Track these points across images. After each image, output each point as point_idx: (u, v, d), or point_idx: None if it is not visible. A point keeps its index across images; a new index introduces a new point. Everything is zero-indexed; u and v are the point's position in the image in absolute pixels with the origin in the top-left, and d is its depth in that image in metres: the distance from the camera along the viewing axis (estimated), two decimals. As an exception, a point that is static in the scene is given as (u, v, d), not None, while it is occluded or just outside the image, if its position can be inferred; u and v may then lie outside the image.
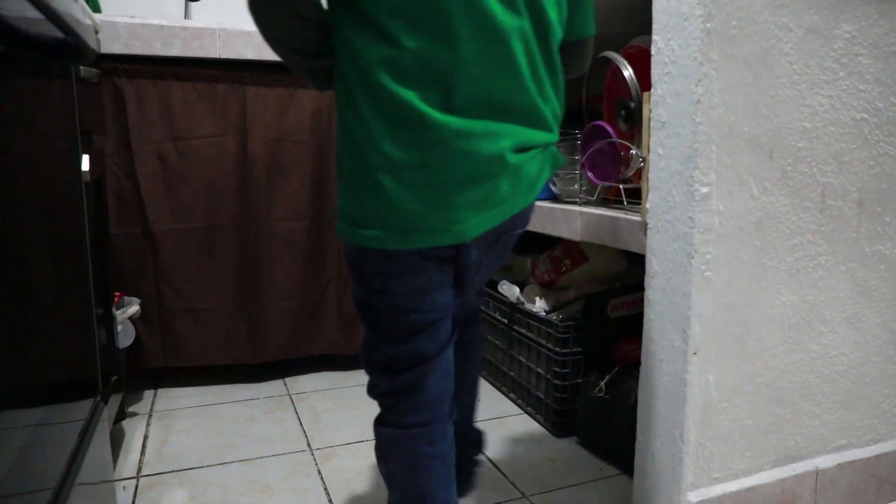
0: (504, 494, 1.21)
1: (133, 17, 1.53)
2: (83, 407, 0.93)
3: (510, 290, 1.58)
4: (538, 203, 1.39)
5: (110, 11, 1.59)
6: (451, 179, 0.75)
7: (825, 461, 1.07)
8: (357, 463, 1.33)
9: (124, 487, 1.23)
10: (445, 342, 0.86)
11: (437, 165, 0.74)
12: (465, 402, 1.04)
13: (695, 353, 0.93)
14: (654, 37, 0.96)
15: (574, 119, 1.48)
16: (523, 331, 1.54)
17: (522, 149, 0.78)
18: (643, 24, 1.30)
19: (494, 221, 0.78)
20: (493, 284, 1.67)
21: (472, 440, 1.09)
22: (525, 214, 0.88)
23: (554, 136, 0.83)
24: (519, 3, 0.75)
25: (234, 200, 1.67)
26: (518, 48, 0.75)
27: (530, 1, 0.76)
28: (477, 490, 1.11)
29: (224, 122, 1.64)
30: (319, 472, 1.29)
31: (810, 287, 1.02)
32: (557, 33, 0.81)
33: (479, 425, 1.12)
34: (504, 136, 0.76)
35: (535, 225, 1.40)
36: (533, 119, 0.79)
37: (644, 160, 1.02)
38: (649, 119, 0.99)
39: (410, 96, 0.73)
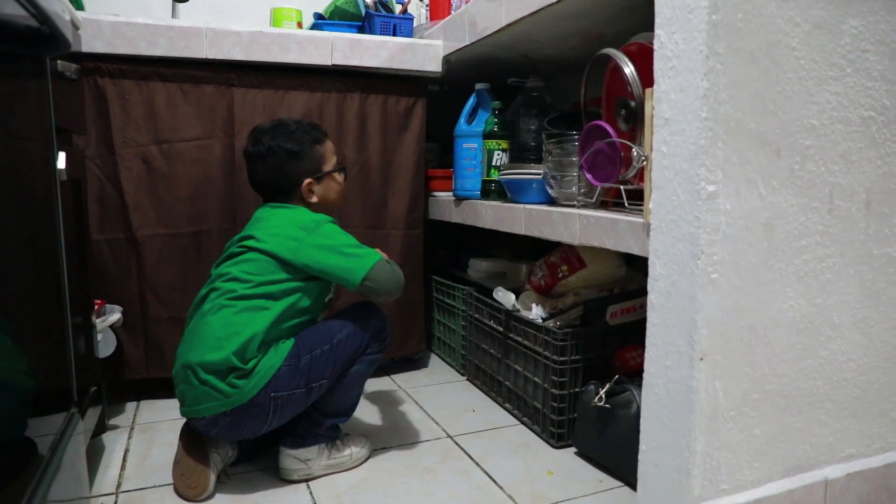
0: (501, 508, 1.16)
1: (118, 15, 1.48)
2: (56, 419, 0.88)
3: (505, 297, 1.54)
4: (534, 206, 1.37)
5: (94, 10, 1.55)
6: None
7: (834, 471, 1.03)
8: (348, 477, 1.28)
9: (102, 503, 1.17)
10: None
11: None
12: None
13: (701, 359, 0.89)
14: (658, 31, 0.92)
15: (572, 121, 1.45)
16: (519, 339, 1.50)
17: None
18: (642, 22, 1.27)
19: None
20: (488, 292, 1.63)
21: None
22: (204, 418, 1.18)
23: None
24: None
25: (221, 205, 1.62)
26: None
27: None
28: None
29: (211, 125, 1.59)
30: (309, 487, 1.24)
31: (818, 290, 0.98)
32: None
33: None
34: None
35: (531, 229, 1.36)
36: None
37: (646, 159, 0.98)
38: (652, 116, 0.95)
39: None
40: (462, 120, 1.72)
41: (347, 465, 1.30)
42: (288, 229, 1.23)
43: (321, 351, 1.21)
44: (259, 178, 1.32)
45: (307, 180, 1.30)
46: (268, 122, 1.34)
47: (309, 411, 1.26)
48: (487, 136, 1.62)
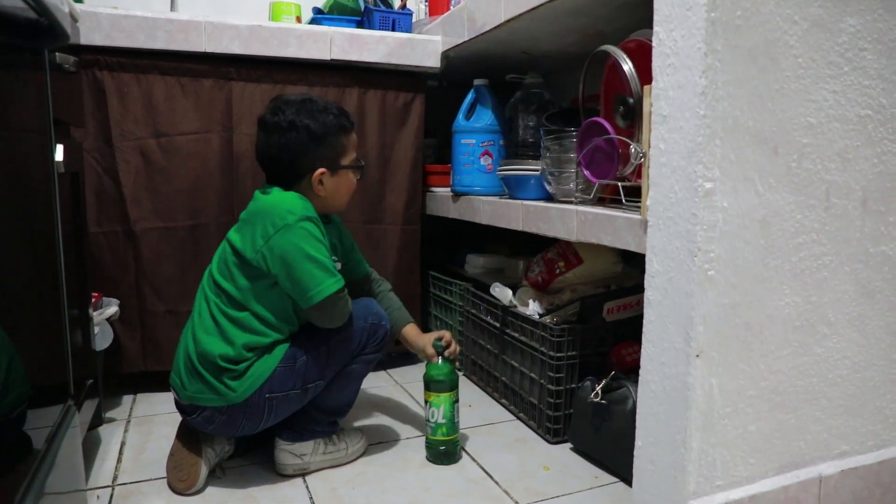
0: (497, 503, 1.16)
1: (116, 7, 1.48)
2: (53, 412, 0.88)
3: (502, 293, 1.54)
4: (532, 203, 1.37)
5: (93, 2, 1.54)
6: None
7: (829, 468, 1.04)
8: (344, 472, 1.28)
9: (98, 497, 1.17)
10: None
11: None
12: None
13: (697, 356, 0.90)
14: (656, 28, 0.92)
15: (570, 117, 1.46)
16: (516, 334, 1.50)
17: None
18: (641, 19, 1.27)
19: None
20: (485, 287, 1.63)
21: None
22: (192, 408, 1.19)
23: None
24: None
25: (218, 199, 1.62)
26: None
27: None
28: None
29: (209, 119, 1.59)
30: (305, 481, 1.24)
31: (814, 288, 0.98)
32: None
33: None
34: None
35: (528, 225, 1.37)
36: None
37: (644, 156, 0.99)
38: (650, 113, 0.95)
39: None
40: (460, 115, 1.72)
41: (343, 459, 1.31)
42: (259, 227, 1.14)
43: (317, 353, 1.20)
44: (269, 153, 1.20)
45: (321, 169, 1.20)
46: (295, 95, 1.24)
47: (306, 408, 1.26)
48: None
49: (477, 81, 1.73)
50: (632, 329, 1.37)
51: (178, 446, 1.22)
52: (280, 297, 1.17)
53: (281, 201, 1.16)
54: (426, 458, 1.33)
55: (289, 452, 1.25)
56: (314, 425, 1.27)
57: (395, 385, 1.77)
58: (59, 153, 0.96)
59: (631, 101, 1.12)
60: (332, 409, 1.29)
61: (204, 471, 1.20)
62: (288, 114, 1.19)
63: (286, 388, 1.18)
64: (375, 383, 1.77)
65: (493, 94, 1.71)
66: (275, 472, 1.27)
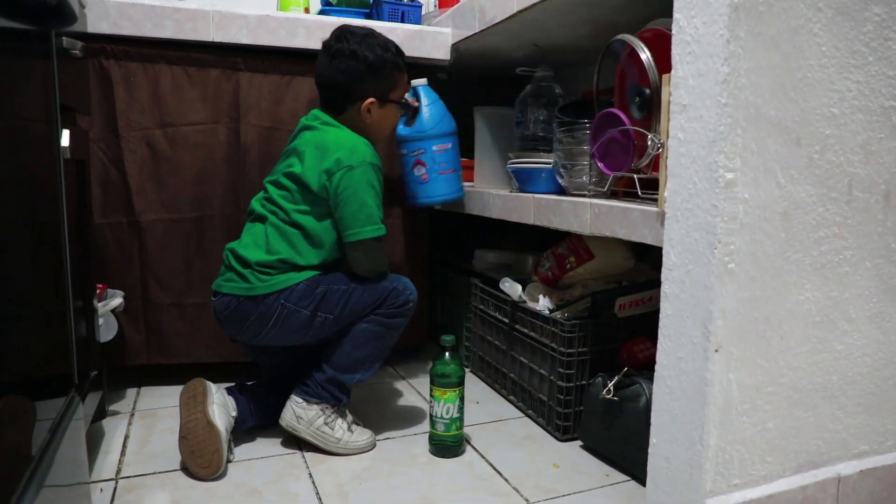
0: (506, 501, 1.14)
1: (123, -5, 1.46)
2: (57, 403, 0.86)
3: (512, 288, 1.52)
4: (544, 196, 1.34)
5: (99, -10, 1.52)
6: None
7: (847, 468, 1.02)
8: (350, 466, 1.27)
9: (101, 489, 1.15)
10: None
11: None
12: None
13: (716, 351, 0.87)
14: (676, 14, 0.90)
15: (583, 110, 1.43)
16: (525, 330, 1.48)
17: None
18: (654, 10, 1.25)
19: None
20: (494, 283, 1.61)
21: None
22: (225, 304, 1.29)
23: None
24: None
25: (225, 191, 1.60)
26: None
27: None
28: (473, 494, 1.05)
29: (216, 109, 1.57)
30: (311, 476, 1.22)
31: (835, 283, 0.96)
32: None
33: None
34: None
35: (540, 219, 1.34)
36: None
37: (662, 146, 0.96)
38: (668, 102, 0.93)
39: None
40: (400, 122, 1.55)
41: (333, 447, 1.30)
42: (326, 161, 1.25)
43: (338, 290, 1.28)
44: (329, 75, 1.32)
45: (372, 99, 1.32)
46: (359, 27, 1.35)
47: (317, 362, 1.31)
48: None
49: (415, 82, 1.56)
50: (643, 325, 1.35)
51: (190, 430, 1.20)
52: (331, 225, 1.29)
53: (350, 142, 1.28)
54: (429, 451, 1.32)
55: (292, 408, 1.30)
56: (319, 376, 1.30)
57: (402, 380, 1.75)
58: (64, 139, 0.94)
59: (647, 91, 1.10)
60: (337, 364, 1.29)
61: (225, 454, 1.20)
62: (352, 43, 1.30)
63: (300, 304, 1.25)
64: (382, 378, 1.75)
65: (434, 91, 1.55)
66: (280, 468, 1.25)
